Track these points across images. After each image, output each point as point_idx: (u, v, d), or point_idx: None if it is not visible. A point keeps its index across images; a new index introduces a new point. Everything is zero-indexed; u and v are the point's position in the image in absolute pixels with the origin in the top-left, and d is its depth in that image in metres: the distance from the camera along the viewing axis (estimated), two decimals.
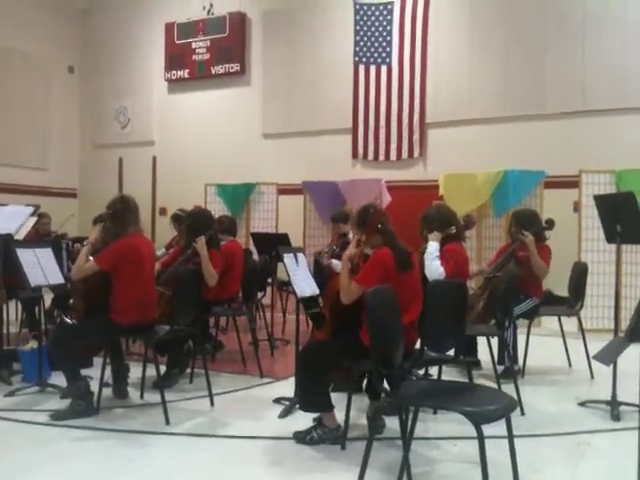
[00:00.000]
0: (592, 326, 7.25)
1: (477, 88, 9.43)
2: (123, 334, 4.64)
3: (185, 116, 11.73)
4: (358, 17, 10.12)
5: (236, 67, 11.21)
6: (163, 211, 11.29)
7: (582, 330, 5.64)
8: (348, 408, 3.73)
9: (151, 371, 4.53)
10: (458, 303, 3.46)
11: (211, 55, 11.39)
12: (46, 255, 4.82)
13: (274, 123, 10.88)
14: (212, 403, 4.53)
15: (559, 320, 5.71)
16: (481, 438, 2.53)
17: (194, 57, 11.54)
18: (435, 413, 4.29)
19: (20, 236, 5.68)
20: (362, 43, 10.13)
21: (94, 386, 4.31)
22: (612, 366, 4.20)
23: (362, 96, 10.17)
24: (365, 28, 10.10)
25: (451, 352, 3.57)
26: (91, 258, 4.29)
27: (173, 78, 11.79)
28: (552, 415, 4.37)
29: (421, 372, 4.70)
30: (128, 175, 12.22)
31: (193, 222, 5.41)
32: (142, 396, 4.69)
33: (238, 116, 11.22)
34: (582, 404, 4.54)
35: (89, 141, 12.77)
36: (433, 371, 4.81)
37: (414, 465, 3.28)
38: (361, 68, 10.17)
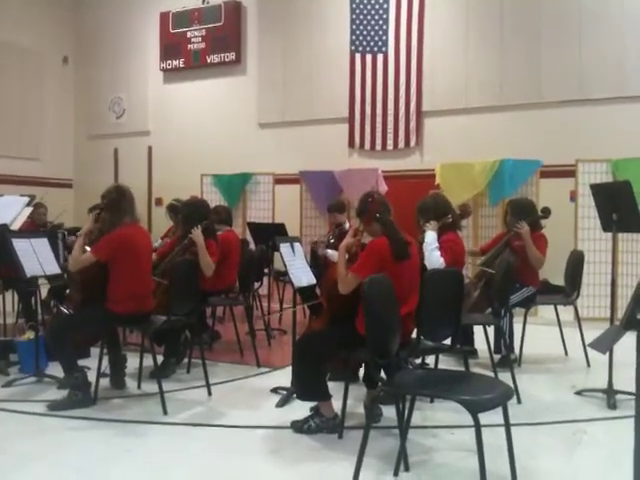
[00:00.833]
0: (588, 315, 7.28)
1: (473, 77, 9.39)
2: (120, 323, 4.63)
3: (181, 106, 11.66)
4: (354, 5, 10.05)
5: (232, 56, 11.13)
6: (159, 201, 11.24)
7: (578, 319, 5.67)
8: (345, 397, 3.75)
9: (148, 361, 4.54)
10: (455, 292, 3.45)
11: (206, 44, 11.31)
12: (42, 245, 4.82)
13: (270, 113, 10.82)
14: (209, 393, 4.54)
15: (555, 309, 5.71)
16: (478, 426, 2.54)
17: (189, 46, 11.46)
18: (432, 402, 4.30)
19: (15, 226, 5.67)
20: (358, 32, 10.07)
21: (91, 376, 4.31)
22: (608, 354, 4.22)
23: (358, 85, 10.12)
24: (361, 17, 10.05)
25: (448, 341, 3.57)
26: (87, 248, 4.28)
27: (168, 68, 11.70)
28: (548, 403, 4.39)
29: (418, 361, 4.70)
30: (124, 165, 12.17)
31: (189, 212, 5.41)
32: (139, 386, 4.71)
33: (234, 106, 11.15)
34: (578, 392, 4.56)
35: (84, 132, 12.68)
36: (430, 360, 4.83)
37: (411, 454, 3.30)
38: (357, 57, 10.11)
